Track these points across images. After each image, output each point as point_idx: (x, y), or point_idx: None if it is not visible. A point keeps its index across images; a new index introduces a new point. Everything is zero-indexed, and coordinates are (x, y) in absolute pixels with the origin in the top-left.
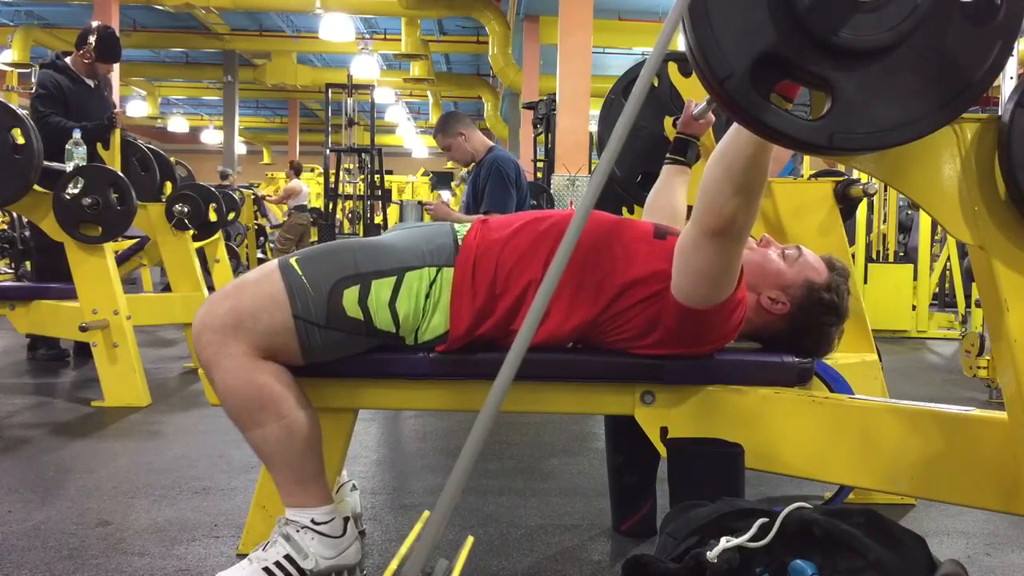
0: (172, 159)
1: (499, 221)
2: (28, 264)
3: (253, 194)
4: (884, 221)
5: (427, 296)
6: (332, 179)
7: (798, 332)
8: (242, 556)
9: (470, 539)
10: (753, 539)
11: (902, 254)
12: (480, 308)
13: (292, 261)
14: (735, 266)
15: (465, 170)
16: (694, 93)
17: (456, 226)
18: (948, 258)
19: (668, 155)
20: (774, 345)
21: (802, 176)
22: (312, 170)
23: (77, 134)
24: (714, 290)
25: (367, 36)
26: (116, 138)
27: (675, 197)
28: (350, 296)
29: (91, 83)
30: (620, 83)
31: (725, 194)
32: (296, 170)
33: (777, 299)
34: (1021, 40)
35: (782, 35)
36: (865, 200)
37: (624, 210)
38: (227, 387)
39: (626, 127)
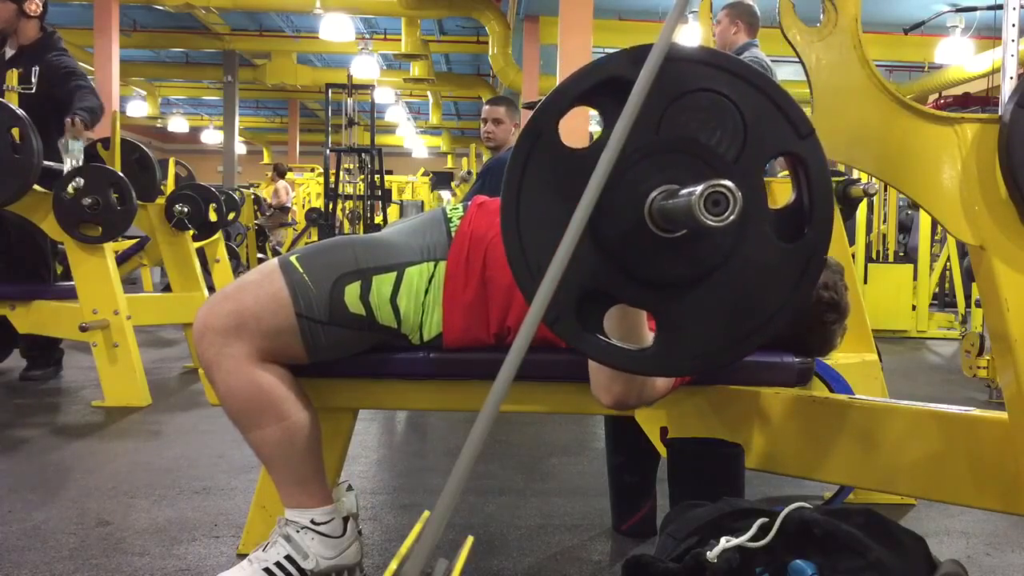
0: (172, 159)
1: (492, 205)
2: None
3: (253, 194)
4: (884, 221)
5: (426, 292)
6: (332, 179)
7: (802, 334)
8: (242, 556)
9: (470, 539)
10: (753, 539)
11: (902, 254)
12: (471, 300)
13: (292, 259)
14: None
15: (465, 170)
16: None
17: (449, 213)
18: (948, 258)
19: None
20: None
21: None
22: (312, 170)
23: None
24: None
25: (367, 36)
26: (116, 138)
27: None
28: (351, 292)
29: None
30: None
31: (606, 378)
32: (281, 173)
33: None
34: (1022, 41)
35: (600, 270)
36: (865, 200)
37: None
38: (228, 389)
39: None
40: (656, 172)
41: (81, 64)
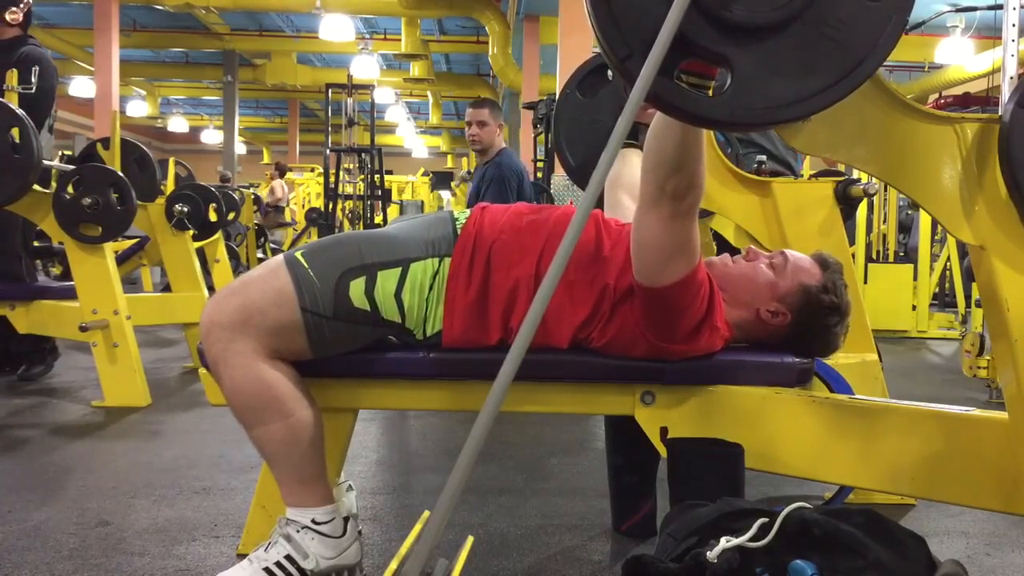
0: (171, 159)
1: (498, 209)
2: None
3: (253, 194)
4: (884, 221)
5: (431, 287)
6: (332, 179)
7: (804, 338)
8: (242, 556)
9: (470, 539)
10: (753, 539)
11: (902, 254)
12: (472, 301)
13: (297, 255)
14: (688, 241)
15: (465, 170)
16: None
17: (456, 213)
18: (948, 258)
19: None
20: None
21: (802, 176)
22: (312, 170)
23: None
24: (667, 264)
25: (367, 36)
26: (116, 138)
27: (636, 172)
28: (356, 287)
29: None
30: (575, 77)
31: (663, 172)
32: (282, 172)
33: (776, 311)
34: (1022, 41)
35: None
36: (865, 200)
37: None
38: (234, 384)
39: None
40: None
41: (81, 64)
